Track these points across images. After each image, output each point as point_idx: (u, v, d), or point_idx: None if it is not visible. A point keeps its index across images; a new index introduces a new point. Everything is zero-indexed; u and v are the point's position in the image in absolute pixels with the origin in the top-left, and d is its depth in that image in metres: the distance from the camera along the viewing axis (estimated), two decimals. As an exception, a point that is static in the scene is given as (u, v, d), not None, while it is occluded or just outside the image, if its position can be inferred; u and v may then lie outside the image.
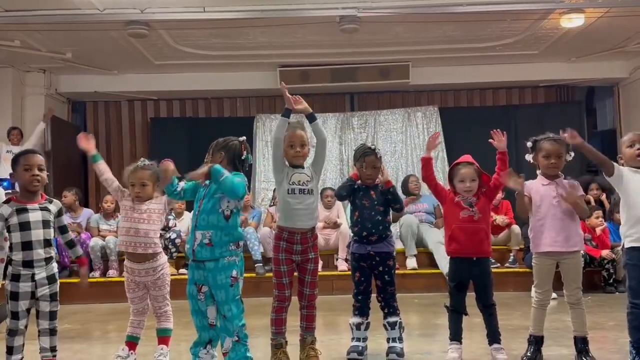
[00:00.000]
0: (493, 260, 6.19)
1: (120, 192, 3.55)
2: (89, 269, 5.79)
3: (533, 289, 3.42)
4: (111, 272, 6.35)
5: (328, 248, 6.67)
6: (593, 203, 6.60)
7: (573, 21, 6.76)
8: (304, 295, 3.40)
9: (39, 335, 3.14)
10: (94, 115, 9.48)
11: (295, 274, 3.46)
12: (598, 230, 6.13)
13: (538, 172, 3.46)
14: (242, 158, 3.13)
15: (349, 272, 6.01)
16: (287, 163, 3.42)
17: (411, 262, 6.48)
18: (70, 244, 3.36)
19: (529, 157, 3.49)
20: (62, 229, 3.30)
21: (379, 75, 8.52)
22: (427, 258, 6.74)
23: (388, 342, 3.54)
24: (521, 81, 8.92)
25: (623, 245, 3.29)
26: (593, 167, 9.76)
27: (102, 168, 3.58)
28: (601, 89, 9.69)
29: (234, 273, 3.03)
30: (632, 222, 3.18)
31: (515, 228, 6.57)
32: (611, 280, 6.03)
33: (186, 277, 3.14)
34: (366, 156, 3.55)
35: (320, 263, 6.50)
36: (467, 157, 3.56)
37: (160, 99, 9.40)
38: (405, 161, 8.70)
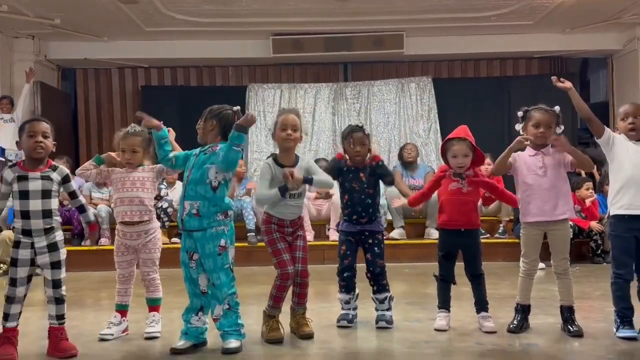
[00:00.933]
0: (483, 231, 6.27)
1: (104, 173, 3.51)
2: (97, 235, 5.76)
3: (521, 258, 3.46)
4: (103, 240, 6.36)
5: (320, 218, 6.70)
6: (583, 175, 6.64)
7: (569, -9, 6.71)
8: (297, 271, 3.38)
9: (48, 302, 3.13)
10: (84, 83, 9.36)
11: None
12: (588, 201, 6.19)
13: (526, 143, 3.45)
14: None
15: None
16: (274, 162, 3.31)
17: (397, 233, 6.53)
18: (81, 209, 3.30)
19: (518, 127, 3.48)
20: (72, 195, 3.24)
21: (373, 45, 8.44)
22: (415, 229, 6.80)
23: (377, 310, 3.58)
24: (515, 52, 8.88)
25: (608, 214, 3.34)
26: (584, 140, 9.83)
27: (98, 171, 3.54)
28: (595, 60, 9.67)
29: (222, 242, 3.06)
30: (617, 188, 3.24)
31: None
32: (599, 251, 6.11)
33: (178, 246, 3.17)
34: (354, 132, 3.52)
35: (312, 233, 6.59)
36: (460, 131, 3.52)
37: (152, 66, 9.29)
38: (399, 132, 8.68)
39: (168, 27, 8.01)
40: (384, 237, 3.69)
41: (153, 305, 3.50)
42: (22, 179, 3.05)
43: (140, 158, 3.47)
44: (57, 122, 8.61)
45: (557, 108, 3.45)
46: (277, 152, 3.39)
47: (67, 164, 6.86)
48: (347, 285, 3.58)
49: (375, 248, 3.57)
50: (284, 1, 7.21)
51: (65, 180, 3.16)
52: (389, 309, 3.56)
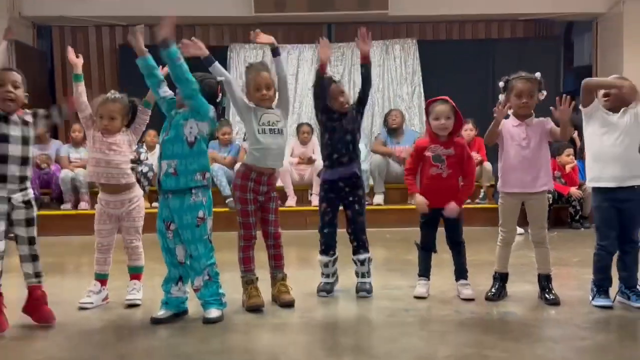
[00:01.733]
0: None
1: (91, 121, 3.46)
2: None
3: (499, 227, 3.48)
4: (82, 205, 6.30)
5: (302, 183, 6.69)
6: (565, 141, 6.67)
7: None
8: (270, 234, 3.41)
9: (21, 262, 3.07)
10: (60, 41, 9.05)
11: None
12: (568, 167, 6.24)
13: (510, 111, 3.44)
14: (217, 100, 3.05)
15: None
16: (252, 104, 3.33)
17: (378, 199, 6.56)
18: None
19: (501, 97, 3.44)
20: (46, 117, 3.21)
21: (358, 5, 8.26)
22: (397, 194, 6.83)
23: (357, 276, 3.60)
24: (501, 14, 8.75)
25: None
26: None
27: (82, 90, 3.50)
28: (580, 24, 9.59)
29: (201, 213, 3.03)
30: (592, 161, 3.28)
31: (487, 165, 6.65)
32: (577, 217, 6.20)
33: None
34: (333, 83, 3.56)
35: (295, 198, 6.59)
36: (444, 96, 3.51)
37: (130, 24, 9.00)
38: (382, 95, 8.59)
39: (146, -17, 7.77)
40: (364, 193, 3.68)
41: (135, 273, 3.49)
42: (2, 119, 2.95)
43: (118, 125, 3.41)
44: (33, 81, 8.41)
45: (537, 74, 3.41)
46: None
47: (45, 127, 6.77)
48: (327, 244, 3.57)
49: (356, 205, 3.56)
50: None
51: (35, 115, 3.11)
52: (368, 273, 3.58)
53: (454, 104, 3.45)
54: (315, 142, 6.84)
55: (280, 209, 3.61)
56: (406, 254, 4.77)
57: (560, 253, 4.78)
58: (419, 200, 3.45)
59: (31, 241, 3.05)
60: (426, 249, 3.50)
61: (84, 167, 6.35)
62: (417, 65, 8.54)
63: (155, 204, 6.31)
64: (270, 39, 3.46)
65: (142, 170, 6.27)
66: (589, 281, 3.38)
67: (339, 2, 8.24)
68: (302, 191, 6.72)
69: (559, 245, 5.20)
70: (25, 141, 3.01)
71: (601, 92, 3.29)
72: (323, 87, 3.52)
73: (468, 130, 7.07)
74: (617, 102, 3.25)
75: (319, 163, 6.55)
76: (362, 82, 3.59)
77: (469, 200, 6.64)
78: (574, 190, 6.08)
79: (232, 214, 6.06)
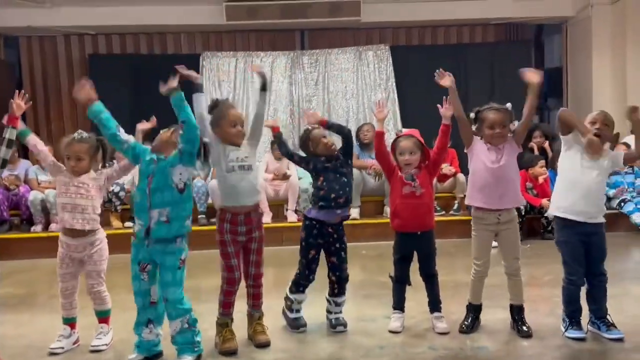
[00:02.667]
0: (438, 208, 6.32)
1: (55, 167, 3.40)
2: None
3: (473, 260, 3.50)
4: (53, 226, 6.19)
5: (277, 199, 6.66)
6: (536, 151, 6.75)
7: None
8: (250, 274, 3.37)
9: None
10: (27, 51, 8.86)
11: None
12: (540, 179, 6.31)
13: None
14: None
15: (299, 224, 6.05)
16: (220, 141, 3.29)
17: (354, 212, 6.57)
18: None
19: (474, 128, 3.44)
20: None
21: (330, 12, 8.22)
22: (372, 207, 6.85)
23: (329, 313, 3.61)
24: (472, 19, 8.81)
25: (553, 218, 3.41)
26: (528, 137, 9.96)
27: (33, 141, 3.42)
28: (550, 26, 9.69)
29: (182, 256, 3.04)
30: (563, 190, 3.30)
31: (461, 176, 6.70)
32: (550, 228, 6.27)
33: (131, 230, 3.12)
34: (311, 132, 3.54)
35: (270, 214, 6.55)
36: (411, 131, 3.52)
37: (99, 33, 8.85)
38: (357, 101, 8.56)
39: (114, -7, 7.63)
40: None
41: (102, 317, 3.43)
42: None
43: (85, 166, 3.35)
44: (1, 93, 8.31)
45: (508, 105, 3.42)
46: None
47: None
48: (307, 286, 3.57)
49: (342, 253, 3.57)
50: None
51: None
52: (341, 312, 3.61)
53: (419, 139, 3.44)
54: (289, 157, 6.81)
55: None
56: (381, 274, 4.77)
57: (532, 269, 4.85)
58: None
59: None
60: (400, 281, 3.51)
61: (54, 188, 6.24)
62: (390, 71, 8.53)
63: (128, 224, 6.24)
64: (263, 71, 3.47)
65: (113, 190, 6.17)
66: (559, 304, 3.41)
67: (312, 9, 8.19)
68: (277, 207, 6.70)
69: (532, 259, 5.28)
70: None
71: (594, 126, 3.23)
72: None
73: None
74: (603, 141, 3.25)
75: (294, 178, 6.55)
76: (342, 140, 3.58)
77: (443, 212, 6.72)
78: (545, 202, 6.15)
79: (203, 233, 6.08)
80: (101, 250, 3.40)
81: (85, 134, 3.40)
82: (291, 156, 3.66)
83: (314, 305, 3.72)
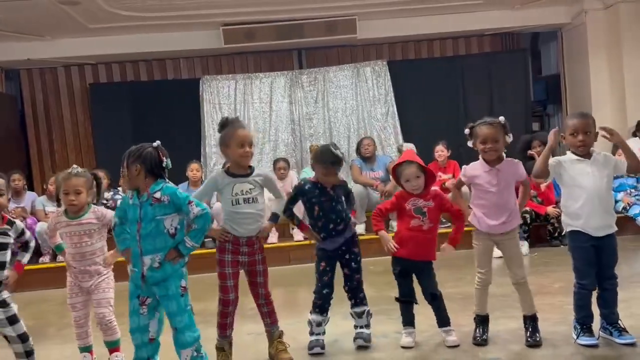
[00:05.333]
0: (444, 221, 6.29)
1: (55, 226, 3.45)
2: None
3: (476, 269, 3.51)
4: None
5: (283, 218, 6.64)
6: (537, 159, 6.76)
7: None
8: (260, 294, 3.40)
9: (16, 358, 3.17)
10: (29, 84, 8.97)
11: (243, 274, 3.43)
12: (543, 186, 6.32)
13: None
14: (163, 165, 2.98)
15: (306, 242, 6.06)
16: (225, 174, 3.31)
17: (360, 228, 6.57)
18: (24, 247, 3.30)
19: (470, 144, 3.46)
20: (24, 246, 3.29)
21: (326, 31, 8.32)
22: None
23: (355, 328, 3.60)
24: (467, 31, 8.88)
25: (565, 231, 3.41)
26: (537, 113, 10.02)
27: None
28: (545, 34, 9.77)
29: (183, 282, 3.00)
30: (570, 214, 3.29)
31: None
32: (556, 234, 6.28)
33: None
34: (334, 165, 3.41)
35: (276, 234, 6.56)
36: (406, 155, 3.53)
37: (99, 63, 8.96)
38: (357, 117, 8.63)
39: (113, 23, 7.72)
40: (360, 250, 3.62)
41: (112, 347, 3.43)
42: None
43: (84, 199, 3.37)
44: (4, 127, 8.41)
45: (501, 118, 3.41)
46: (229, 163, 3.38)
47: (23, 179, 6.70)
48: (323, 305, 3.52)
49: (353, 263, 3.55)
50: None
51: (21, 234, 3.23)
52: (367, 325, 3.59)
53: (419, 161, 3.46)
54: (293, 176, 6.85)
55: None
56: (389, 289, 4.77)
57: (541, 278, 4.84)
58: (385, 237, 3.48)
59: (22, 338, 3.15)
60: (406, 301, 3.51)
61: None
62: (389, 85, 8.61)
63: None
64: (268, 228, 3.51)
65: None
66: (571, 312, 3.41)
67: (308, 29, 8.28)
68: (283, 226, 6.71)
69: (540, 268, 5.28)
70: (3, 247, 3.11)
71: (577, 138, 3.22)
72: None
73: (440, 152, 7.15)
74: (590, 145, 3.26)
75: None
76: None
77: (448, 224, 6.71)
78: (550, 209, 6.16)
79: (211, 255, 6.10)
80: (108, 279, 3.42)
81: (79, 169, 3.44)
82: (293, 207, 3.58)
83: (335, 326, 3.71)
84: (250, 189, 3.29)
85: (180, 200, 2.92)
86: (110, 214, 3.40)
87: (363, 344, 3.52)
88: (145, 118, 8.48)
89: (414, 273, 3.52)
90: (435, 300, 3.49)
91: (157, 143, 3.04)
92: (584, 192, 3.23)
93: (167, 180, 3.01)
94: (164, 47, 8.48)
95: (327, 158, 3.41)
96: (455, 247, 3.48)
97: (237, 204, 3.27)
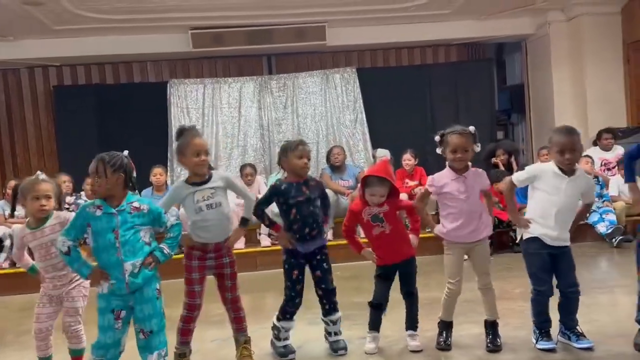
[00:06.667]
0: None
1: (22, 242, 3.35)
2: None
3: (446, 280, 3.53)
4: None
5: (250, 224, 6.64)
6: (502, 168, 6.89)
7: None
8: (227, 299, 3.40)
9: None
10: (-9, 84, 8.79)
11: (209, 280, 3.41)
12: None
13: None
14: (134, 176, 2.99)
15: (273, 248, 6.03)
16: (185, 184, 3.30)
17: (328, 234, 6.57)
18: None
19: (439, 151, 3.51)
20: None
21: (295, 37, 8.36)
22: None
23: (329, 335, 3.60)
24: (434, 40, 9.04)
25: (522, 237, 3.48)
26: (502, 122, 10.22)
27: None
28: (510, 44, 9.99)
29: (158, 285, 3.00)
30: (536, 215, 3.35)
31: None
32: (518, 241, 6.38)
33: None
34: (301, 145, 3.44)
35: (243, 240, 6.51)
36: (381, 169, 3.48)
37: (63, 65, 8.81)
38: (325, 123, 8.67)
39: (78, 24, 7.62)
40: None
41: (76, 356, 3.38)
42: None
43: (52, 205, 3.31)
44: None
45: (472, 128, 3.45)
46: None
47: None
48: (293, 312, 3.52)
49: (324, 264, 3.53)
50: (200, -3, 6.99)
51: None
52: (340, 331, 3.60)
53: (392, 180, 3.46)
54: (260, 181, 6.83)
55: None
56: (356, 295, 4.80)
57: (503, 284, 4.92)
58: (369, 254, 3.50)
59: None
60: (378, 307, 3.52)
61: (22, 223, 6.13)
62: (357, 92, 8.68)
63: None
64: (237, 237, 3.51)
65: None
66: (530, 316, 3.47)
67: (277, 34, 8.30)
68: (250, 231, 6.67)
69: (502, 273, 5.37)
70: None
71: (564, 157, 3.23)
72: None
73: (407, 160, 7.23)
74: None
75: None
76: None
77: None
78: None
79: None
80: (80, 287, 3.35)
81: (45, 175, 3.38)
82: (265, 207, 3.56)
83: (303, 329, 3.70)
84: (211, 194, 3.28)
85: (158, 210, 3.00)
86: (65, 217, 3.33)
87: (344, 353, 3.52)
88: (111, 121, 8.36)
89: (398, 273, 3.52)
90: (411, 297, 3.51)
91: (126, 152, 3.03)
92: (552, 205, 3.29)
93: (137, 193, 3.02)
94: (131, 50, 8.39)
95: (292, 143, 3.48)
96: (418, 237, 3.53)
97: (200, 212, 3.27)
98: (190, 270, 3.31)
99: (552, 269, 3.34)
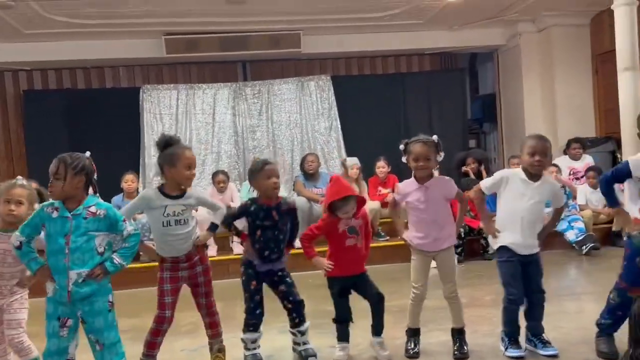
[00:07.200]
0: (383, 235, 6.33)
1: None
2: None
3: (411, 284, 3.57)
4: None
5: (222, 231, 6.57)
6: (472, 176, 6.98)
7: (454, -6, 6.98)
8: (202, 304, 3.39)
9: None
10: (-42, 88, 8.61)
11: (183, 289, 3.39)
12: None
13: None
14: (95, 178, 2.94)
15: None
16: (159, 193, 3.26)
17: (297, 244, 6.57)
18: None
19: (404, 159, 3.53)
20: None
21: (270, 44, 8.37)
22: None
23: (298, 345, 3.60)
24: (408, 49, 9.14)
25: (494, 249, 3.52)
26: (474, 131, 10.35)
27: None
28: (482, 54, 10.14)
29: (110, 297, 2.93)
30: (504, 223, 3.40)
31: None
32: (488, 248, 6.47)
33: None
34: (267, 165, 3.43)
35: (215, 247, 6.49)
36: (342, 188, 3.45)
37: (34, 69, 8.68)
38: (300, 131, 8.66)
39: (50, 29, 7.51)
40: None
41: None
42: None
43: (24, 212, 3.17)
44: None
45: (435, 137, 3.49)
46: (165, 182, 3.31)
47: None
48: (257, 323, 3.50)
49: (287, 279, 3.55)
50: (174, 3, 6.95)
51: None
52: (308, 341, 3.61)
53: (355, 193, 3.48)
54: (233, 188, 6.79)
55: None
56: (327, 303, 4.79)
57: (473, 291, 4.98)
58: (321, 262, 3.50)
59: None
60: (342, 320, 3.52)
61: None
62: (332, 100, 8.69)
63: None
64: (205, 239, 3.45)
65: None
66: (499, 324, 3.51)
67: (251, 41, 8.30)
68: (222, 239, 6.64)
69: (472, 280, 5.43)
70: None
71: (534, 158, 3.29)
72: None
73: (381, 168, 7.27)
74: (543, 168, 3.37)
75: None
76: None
77: (388, 237, 6.83)
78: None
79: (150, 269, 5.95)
80: (22, 298, 3.24)
81: (24, 181, 3.29)
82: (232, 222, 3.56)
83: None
84: (182, 211, 3.26)
85: (116, 216, 2.91)
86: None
87: None
88: (82, 127, 8.24)
89: (352, 287, 3.54)
90: (377, 302, 3.50)
91: (88, 153, 2.98)
92: (517, 212, 3.34)
93: (97, 195, 2.95)
94: (103, 55, 8.31)
95: (258, 163, 3.46)
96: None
97: (168, 225, 3.23)
98: (162, 282, 3.27)
99: (523, 277, 3.38)
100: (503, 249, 3.41)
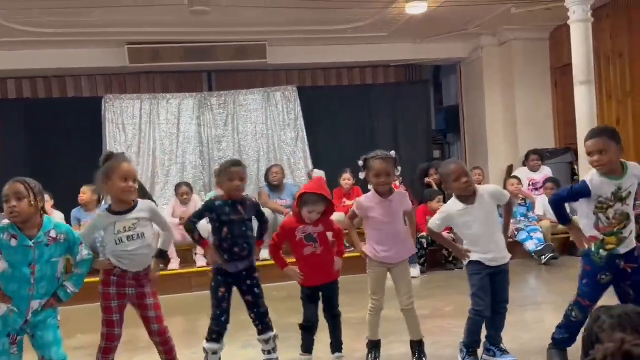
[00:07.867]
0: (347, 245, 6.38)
1: None
2: None
3: (370, 296, 3.58)
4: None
5: (185, 243, 6.53)
6: (435, 187, 7.07)
7: (417, 8, 7.09)
8: (154, 331, 3.24)
9: None
10: None
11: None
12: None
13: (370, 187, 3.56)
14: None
15: (208, 269, 5.93)
16: (107, 213, 3.17)
17: (264, 253, 6.56)
18: None
19: (362, 175, 3.55)
20: None
21: (236, 54, 8.34)
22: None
23: (264, 354, 3.59)
24: (373, 61, 9.24)
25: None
26: (438, 142, 10.50)
27: None
28: (446, 67, 10.31)
29: (58, 317, 2.94)
30: (468, 243, 3.46)
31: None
32: (451, 258, 6.56)
33: None
34: (233, 166, 3.41)
35: (178, 260, 6.41)
36: (316, 185, 3.50)
37: (3, 78, 8.47)
38: (267, 141, 8.65)
39: (9, 37, 7.35)
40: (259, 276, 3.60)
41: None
42: None
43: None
44: None
45: (392, 153, 3.54)
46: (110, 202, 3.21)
47: None
48: (220, 332, 3.46)
49: (256, 289, 3.52)
50: (136, 13, 6.88)
51: None
52: (274, 349, 3.59)
53: (328, 197, 3.49)
54: (197, 200, 6.73)
55: (162, 273, 3.45)
56: (290, 315, 4.78)
57: (435, 301, 5.03)
58: (293, 272, 3.51)
59: None
60: (309, 329, 3.52)
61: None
62: (298, 111, 8.71)
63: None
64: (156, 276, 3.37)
65: None
66: (460, 335, 3.55)
67: (217, 51, 8.27)
68: (185, 252, 6.57)
69: (433, 291, 5.48)
70: None
71: (461, 181, 3.32)
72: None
73: (346, 180, 7.30)
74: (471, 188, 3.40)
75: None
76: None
77: (352, 248, 6.83)
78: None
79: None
80: None
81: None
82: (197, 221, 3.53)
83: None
84: (133, 225, 3.15)
85: (75, 239, 2.88)
86: None
87: None
88: (42, 137, 8.08)
89: (322, 295, 3.54)
90: (334, 319, 3.53)
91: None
92: (476, 236, 3.40)
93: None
94: (65, 64, 8.17)
95: (226, 164, 3.46)
96: (342, 258, 3.58)
97: (120, 243, 3.12)
98: (108, 298, 3.14)
99: (491, 286, 3.41)
100: (474, 262, 3.42)
